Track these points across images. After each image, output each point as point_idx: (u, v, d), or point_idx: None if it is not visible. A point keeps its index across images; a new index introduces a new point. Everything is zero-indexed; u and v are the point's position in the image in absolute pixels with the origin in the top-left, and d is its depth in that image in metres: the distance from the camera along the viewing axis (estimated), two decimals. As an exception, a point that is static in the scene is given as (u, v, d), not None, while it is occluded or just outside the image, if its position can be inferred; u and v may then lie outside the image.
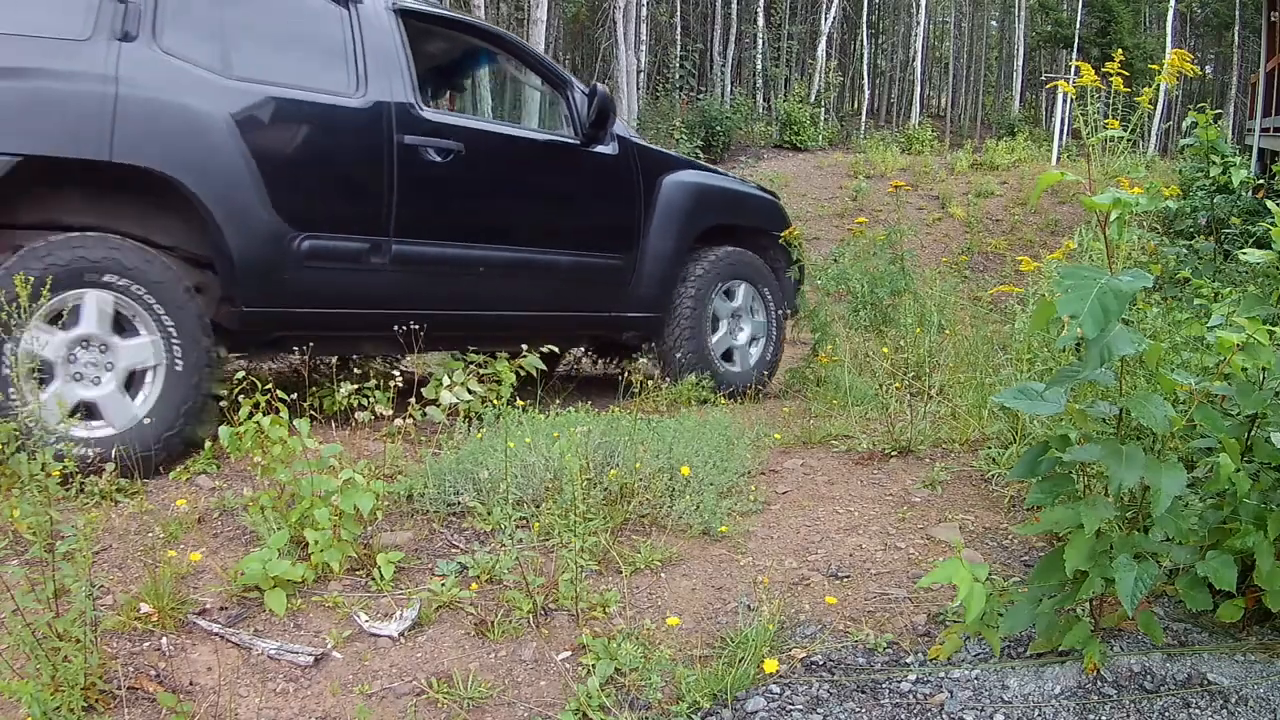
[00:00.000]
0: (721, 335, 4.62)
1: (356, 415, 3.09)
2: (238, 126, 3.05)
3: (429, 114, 3.56)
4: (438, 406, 3.39)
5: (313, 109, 3.29)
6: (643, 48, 19.05)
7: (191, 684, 1.79)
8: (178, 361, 2.92)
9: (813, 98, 21.99)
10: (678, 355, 4.33)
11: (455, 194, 3.61)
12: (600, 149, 4.09)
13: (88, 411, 2.77)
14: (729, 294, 4.62)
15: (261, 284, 3.18)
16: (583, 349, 5.29)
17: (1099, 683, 1.80)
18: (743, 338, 4.73)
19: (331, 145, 3.35)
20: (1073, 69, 20.05)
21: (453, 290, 3.66)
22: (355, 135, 3.38)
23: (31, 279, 2.27)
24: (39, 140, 2.74)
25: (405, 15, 3.62)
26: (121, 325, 2.88)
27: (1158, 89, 1.98)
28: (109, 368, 2.84)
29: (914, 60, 27.75)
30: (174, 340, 2.92)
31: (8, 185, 2.67)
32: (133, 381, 2.89)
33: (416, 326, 3.34)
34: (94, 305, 2.79)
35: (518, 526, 2.46)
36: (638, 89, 18.12)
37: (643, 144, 4.44)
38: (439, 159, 3.50)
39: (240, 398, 2.56)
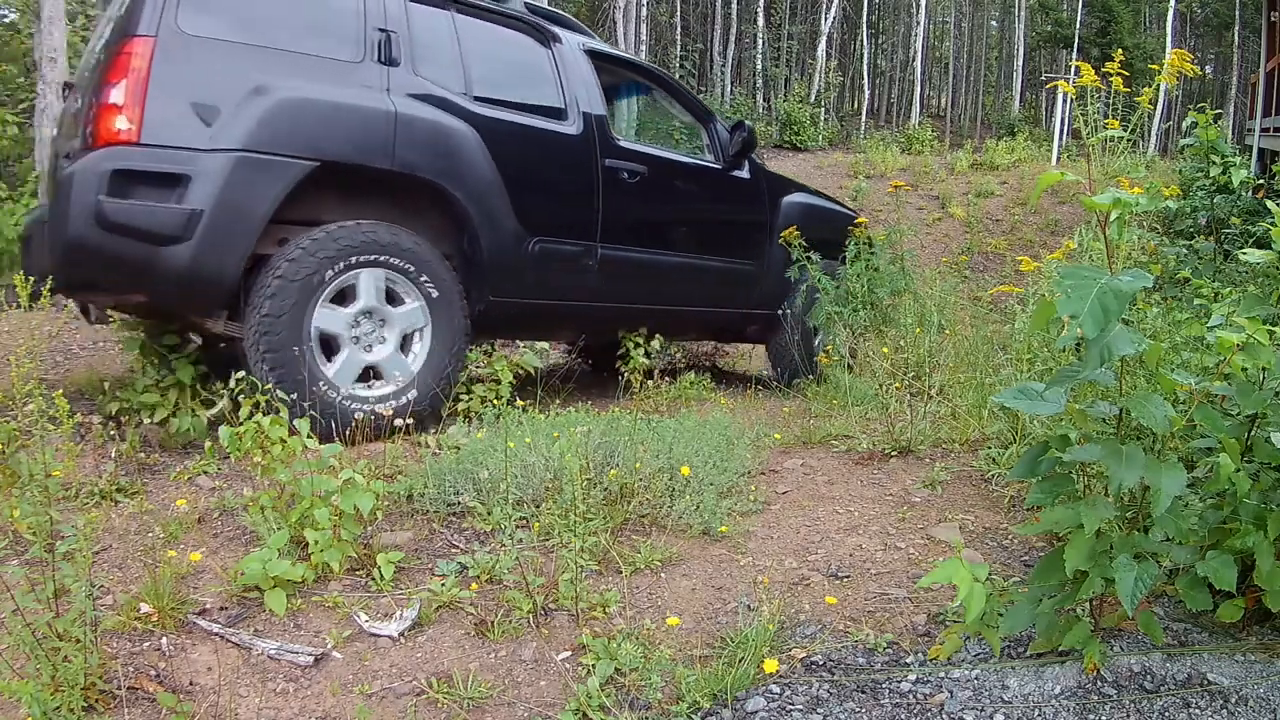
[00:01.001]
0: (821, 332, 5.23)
1: (356, 415, 3.10)
2: (485, 144, 3.58)
3: (623, 142, 4.27)
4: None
5: (540, 133, 3.92)
6: (643, 48, 19.04)
7: (191, 684, 1.79)
8: (440, 339, 3.47)
9: (813, 98, 22.00)
10: (794, 349, 4.91)
11: (640, 208, 4.27)
12: (738, 173, 4.81)
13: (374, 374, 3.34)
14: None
15: (504, 278, 3.73)
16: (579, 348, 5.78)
17: (1099, 683, 1.80)
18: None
19: (555, 165, 3.98)
20: (1073, 69, 20.05)
21: (637, 288, 4.32)
22: (572, 157, 4.02)
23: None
24: (336, 148, 3.21)
25: (592, 55, 4.32)
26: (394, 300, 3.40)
27: (1158, 89, 1.98)
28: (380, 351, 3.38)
29: (914, 60, 27.75)
30: (438, 323, 3.46)
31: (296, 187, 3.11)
32: (407, 349, 3.45)
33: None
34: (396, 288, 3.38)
35: (518, 526, 2.46)
36: (638, 89, 18.08)
37: (768, 170, 5.20)
38: (629, 179, 4.18)
39: (240, 398, 2.56)
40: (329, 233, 3.15)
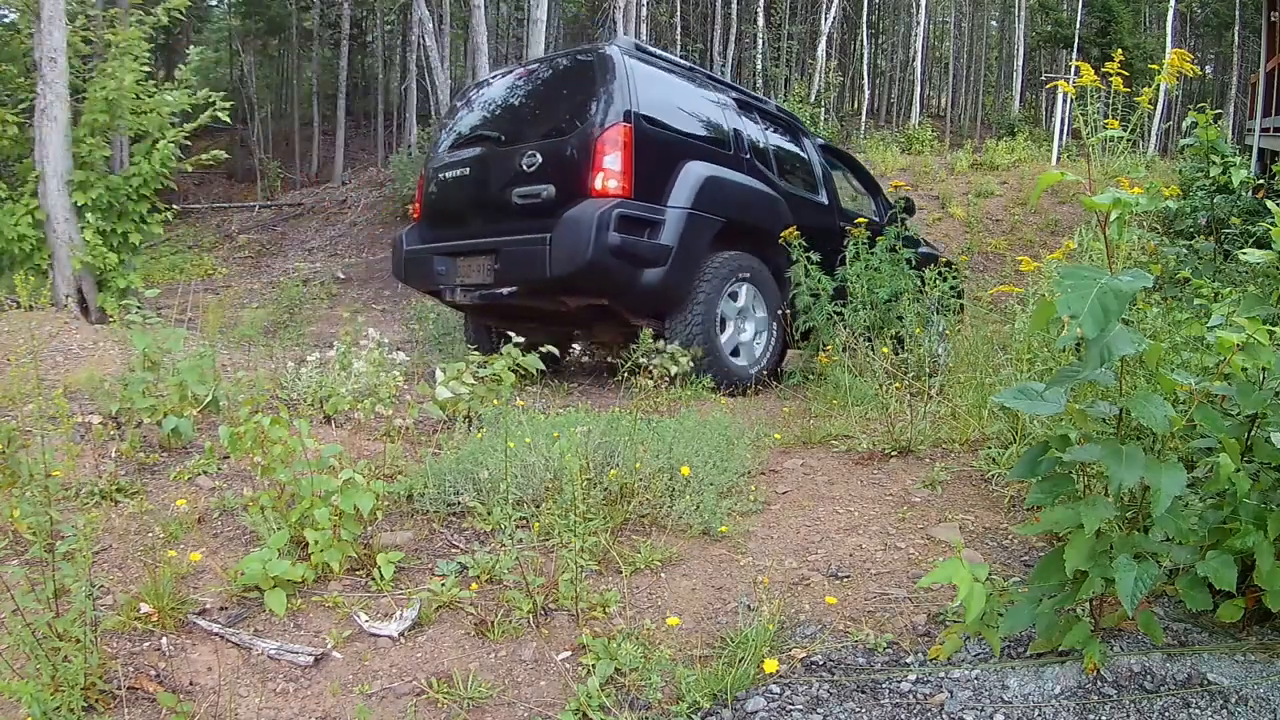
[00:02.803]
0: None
1: (356, 415, 3.10)
2: (788, 208, 5.31)
3: (848, 209, 6.20)
4: (434, 403, 3.40)
5: (812, 202, 5.84)
6: (643, 48, 18.99)
7: (191, 684, 1.79)
8: (772, 334, 5.11)
9: (813, 98, 21.99)
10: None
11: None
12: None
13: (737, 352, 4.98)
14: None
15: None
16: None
17: (1099, 683, 1.80)
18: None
19: (818, 222, 5.67)
20: (1073, 69, 20.05)
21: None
22: (827, 219, 5.89)
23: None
24: (731, 211, 4.85)
25: (822, 147, 6.41)
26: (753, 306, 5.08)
27: (1158, 89, 1.98)
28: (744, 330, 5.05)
29: (914, 60, 27.74)
30: (773, 322, 5.10)
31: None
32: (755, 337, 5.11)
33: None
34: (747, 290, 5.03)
35: (518, 526, 2.46)
36: (638, 89, 18.04)
37: (909, 231, 6.75)
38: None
39: (242, 397, 2.56)
40: (725, 259, 4.77)
